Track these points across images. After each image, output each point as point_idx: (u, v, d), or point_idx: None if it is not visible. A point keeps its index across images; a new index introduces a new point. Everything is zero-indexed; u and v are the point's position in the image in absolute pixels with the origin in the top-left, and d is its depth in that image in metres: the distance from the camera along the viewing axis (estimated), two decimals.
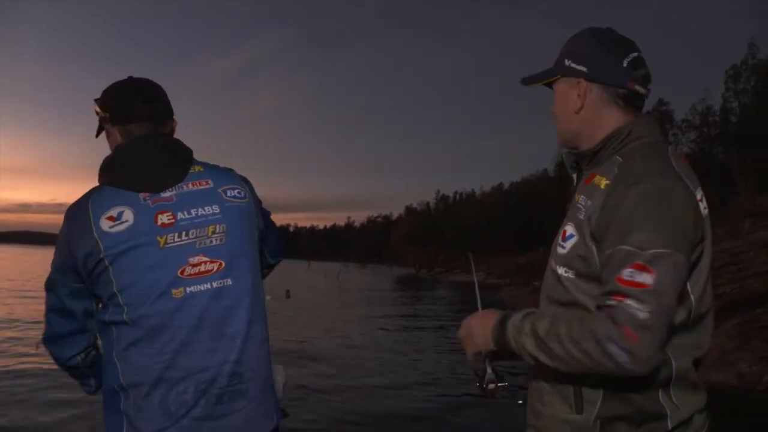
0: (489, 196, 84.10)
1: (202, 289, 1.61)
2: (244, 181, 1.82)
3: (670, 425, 1.40)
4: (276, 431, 1.76)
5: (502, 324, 1.46)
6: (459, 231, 74.78)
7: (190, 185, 1.69)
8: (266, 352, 1.75)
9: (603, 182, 1.43)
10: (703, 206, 1.42)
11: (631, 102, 1.51)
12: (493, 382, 1.56)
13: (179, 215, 1.63)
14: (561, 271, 1.49)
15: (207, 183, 1.71)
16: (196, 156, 1.80)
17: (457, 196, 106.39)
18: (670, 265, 1.26)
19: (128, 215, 1.60)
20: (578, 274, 1.45)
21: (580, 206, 1.47)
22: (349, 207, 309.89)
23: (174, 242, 1.60)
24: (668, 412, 1.40)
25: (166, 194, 1.65)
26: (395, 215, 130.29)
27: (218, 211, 1.67)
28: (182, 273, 1.59)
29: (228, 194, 1.72)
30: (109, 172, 1.68)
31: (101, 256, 1.56)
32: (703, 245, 1.40)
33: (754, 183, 35.96)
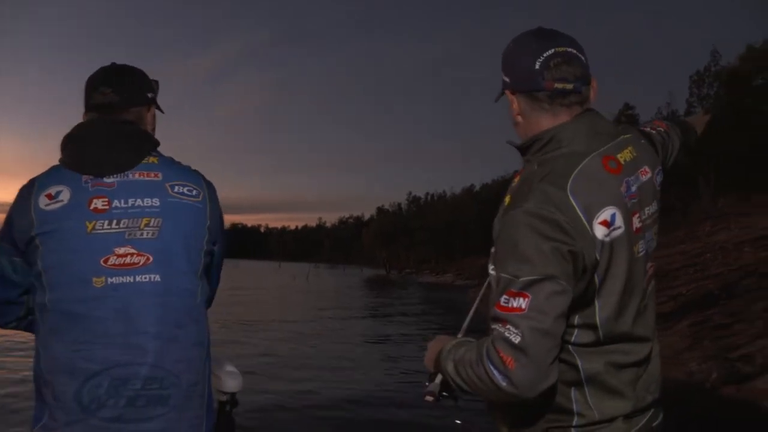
0: (459, 198, 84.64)
1: (125, 281, 1.57)
2: (206, 185, 1.77)
3: (575, 422, 1.42)
4: None
5: (441, 350, 1.50)
6: (429, 232, 75.02)
7: (137, 175, 1.65)
8: (198, 357, 1.67)
9: (507, 198, 1.45)
10: (608, 229, 1.37)
11: (560, 102, 1.46)
12: (432, 395, 1.56)
13: (115, 203, 1.60)
14: (490, 268, 1.51)
15: (156, 175, 1.67)
16: (170, 153, 1.76)
17: (429, 197, 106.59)
18: (545, 291, 1.27)
19: (65, 195, 1.58)
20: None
21: (501, 206, 1.50)
22: (321, 208, 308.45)
23: (102, 229, 1.57)
24: (575, 410, 1.42)
25: (109, 180, 1.62)
26: (367, 216, 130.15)
27: (158, 204, 1.63)
28: (105, 262, 1.56)
29: (175, 189, 1.67)
30: (62, 151, 1.67)
31: (33, 233, 1.56)
32: (606, 268, 1.38)
33: (715, 187, 36.65)
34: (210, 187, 1.78)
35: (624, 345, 1.45)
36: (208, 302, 1.89)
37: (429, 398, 1.55)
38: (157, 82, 1.87)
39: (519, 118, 1.53)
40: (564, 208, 1.33)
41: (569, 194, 1.35)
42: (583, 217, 1.34)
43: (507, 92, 1.53)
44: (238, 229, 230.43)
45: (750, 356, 8.05)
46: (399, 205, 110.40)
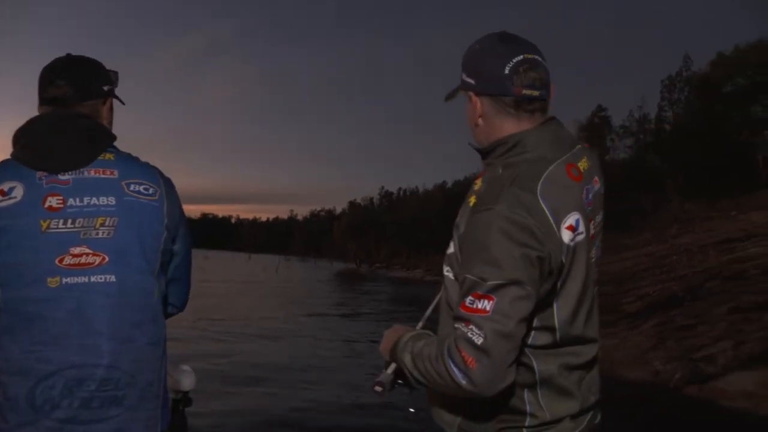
0: (431, 193, 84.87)
1: (80, 281, 1.53)
2: (163, 182, 1.73)
3: (527, 422, 1.46)
4: None
5: (398, 341, 1.53)
6: (400, 227, 75.16)
7: (92, 172, 1.61)
8: (155, 356, 1.65)
9: (473, 199, 1.47)
10: (573, 233, 1.41)
11: (525, 108, 1.47)
12: (381, 386, 1.56)
13: (70, 201, 1.56)
14: (445, 269, 1.53)
15: (112, 173, 1.63)
16: (135, 147, 1.72)
17: (401, 193, 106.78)
18: (510, 296, 1.29)
19: (18, 191, 1.54)
20: (456, 276, 1.47)
21: (464, 208, 1.51)
22: (293, 200, 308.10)
23: (57, 228, 1.53)
24: (528, 410, 1.45)
25: (64, 177, 1.58)
26: (338, 210, 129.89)
27: (113, 203, 1.60)
28: (61, 262, 1.52)
29: (131, 188, 1.63)
30: (14, 146, 1.62)
31: None
32: (568, 272, 1.42)
33: (683, 190, 37.32)
34: (167, 183, 1.74)
35: (576, 347, 1.49)
36: (183, 301, 1.90)
37: (378, 388, 1.56)
38: (116, 72, 1.83)
39: (480, 121, 1.53)
40: (535, 212, 1.35)
41: (539, 198, 1.37)
42: (552, 221, 1.37)
43: (471, 94, 1.53)
44: (208, 220, 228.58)
45: (712, 357, 8.22)
46: (371, 199, 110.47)
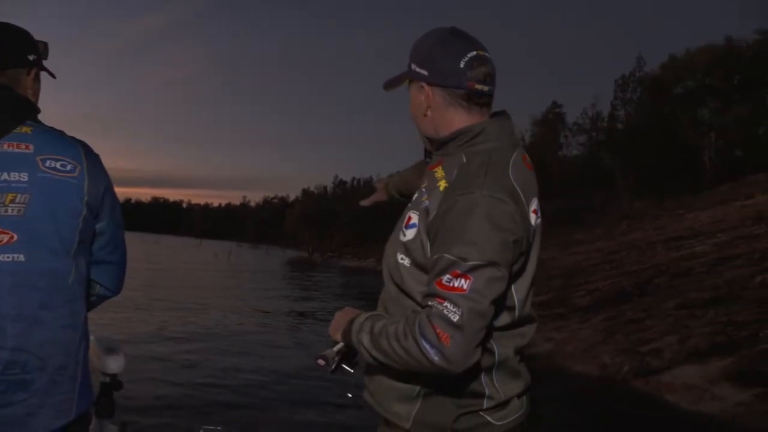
0: None
1: None
2: (86, 157, 1.63)
3: (485, 405, 1.51)
4: (80, 423, 1.62)
5: (352, 321, 1.54)
6: (352, 216, 75.15)
7: (6, 146, 1.53)
8: (70, 340, 1.58)
9: (443, 184, 1.50)
10: (535, 217, 1.51)
11: (475, 101, 1.53)
12: (324, 359, 1.57)
13: None
14: (399, 257, 1.54)
15: (27, 147, 1.54)
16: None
17: (355, 182, 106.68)
18: (487, 276, 1.34)
19: None
20: (414, 263, 1.51)
21: (423, 191, 1.55)
22: (246, 186, 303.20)
23: None
24: (486, 393, 1.51)
25: None
26: (292, 197, 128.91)
27: (26, 179, 1.51)
28: None
29: (47, 164, 1.55)
30: None
31: None
32: (529, 254, 1.50)
33: (633, 188, 38.29)
34: (91, 158, 1.65)
35: (525, 327, 1.57)
36: (115, 283, 1.81)
37: (321, 362, 1.56)
38: (45, 43, 1.75)
39: (429, 112, 1.57)
40: (513, 197, 1.42)
41: (513, 181, 1.45)
42: (525, 204, 1.45)
43: (423, 84, 1.56)
44: (159, 203, 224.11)
45: (659, 351, 8.42)
46: (325, 188, 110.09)
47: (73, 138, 1.66)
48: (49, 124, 1.65)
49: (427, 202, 1.51)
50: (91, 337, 2.13)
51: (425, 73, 1.54)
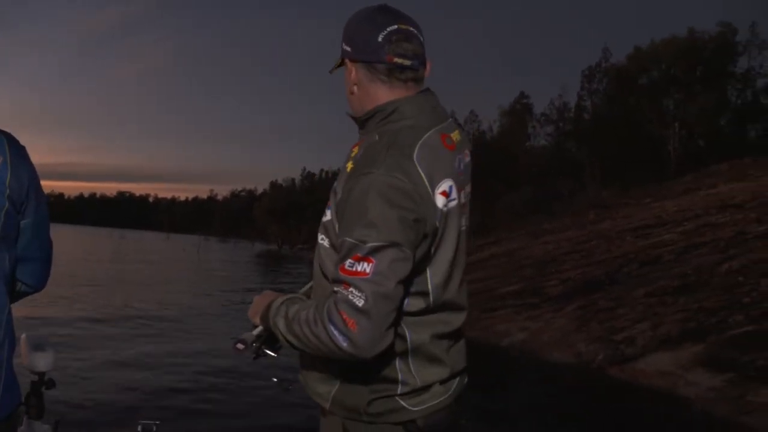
0: None
1: None
2: (11, 150, 1.56)
3: (399, 390, 1.49)
4: (6, 424, 1.56)
5: (269, 305, 1.52)
6: (321, 208, 74.45)
7: None
8: None
9: (350, 165, 1.49)
10: (446, 199, 1.46)
11: (396, 76, 1.51)
12: (243, 344, 1.56)
13: None
14: (320, 237, 1.54)
15: None
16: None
17: (323, 174, 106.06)
18: (389, 257, 1.32)
19: None
20: (332, 245, 1.49)
21: (341, 175, 1.52)
22: (213, 180, 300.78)
23: None
24: (400, 378, 1.49)
25: None
26: (260, 190, 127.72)
27: None
28: None
29: None
30: None
31: None
32: (441, 237, 1.47)
33: (600, 178, 38.80)
34: (15, 150, 1.58)
35: (447, 314, 1.55)
36: (38, 280, 1.74)
37: (240, 346, 1.55)
38: None
39: (355, 89, 1.56)
40: (411, 176, 1.39)
41: (416, 162, 1.41)
42: (428, 185, 1.41)
43: (347, 61, 1.56)
44: (125, 198, 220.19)
45: (632, 338, 8.57)
46: (293, 180, 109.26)
47: None
48: (4, 120, 1.58)
49: (335, 183, 1.51)
50: (23, 335, 2.09)
51: (349, 49, 1.54)
